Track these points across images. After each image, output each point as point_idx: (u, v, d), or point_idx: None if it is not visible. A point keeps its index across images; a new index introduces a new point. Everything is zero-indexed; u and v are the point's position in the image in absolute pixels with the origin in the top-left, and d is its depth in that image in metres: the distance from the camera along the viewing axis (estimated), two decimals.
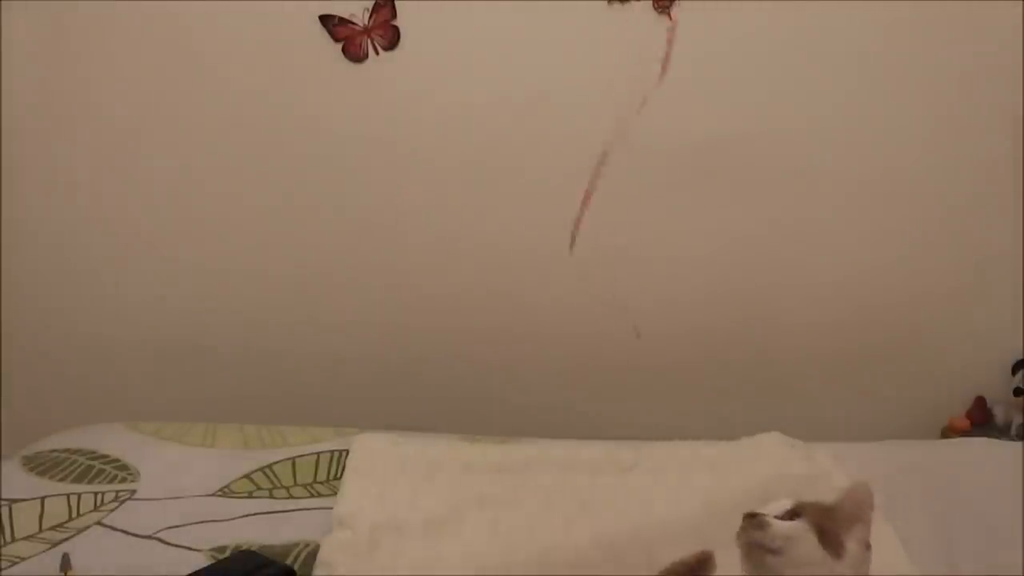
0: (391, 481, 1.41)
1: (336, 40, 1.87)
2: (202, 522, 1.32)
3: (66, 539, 1.27)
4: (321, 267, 2.04)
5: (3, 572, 1.18)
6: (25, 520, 1.31)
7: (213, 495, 1.41)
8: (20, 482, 1.42)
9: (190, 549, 1.26)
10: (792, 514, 0.97)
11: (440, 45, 1.89)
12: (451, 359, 2.09)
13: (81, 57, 1.88)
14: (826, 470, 1.44)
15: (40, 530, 1.30)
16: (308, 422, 1.69)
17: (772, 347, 2.12)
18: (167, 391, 2.08)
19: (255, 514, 1.36)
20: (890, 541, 1.27)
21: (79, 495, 1.39)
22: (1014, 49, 1.90)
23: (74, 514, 1.34)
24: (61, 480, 1.44)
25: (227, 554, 1.24)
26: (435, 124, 1.94)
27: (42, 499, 1.37)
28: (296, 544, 1.27)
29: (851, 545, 0.96)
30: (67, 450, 1.53)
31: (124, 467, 1.49)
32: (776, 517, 0.97)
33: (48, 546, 1.25)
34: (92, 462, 1.49)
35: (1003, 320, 2.09)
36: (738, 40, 1.90)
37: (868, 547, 0.98)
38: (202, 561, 1.22)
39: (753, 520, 0.97)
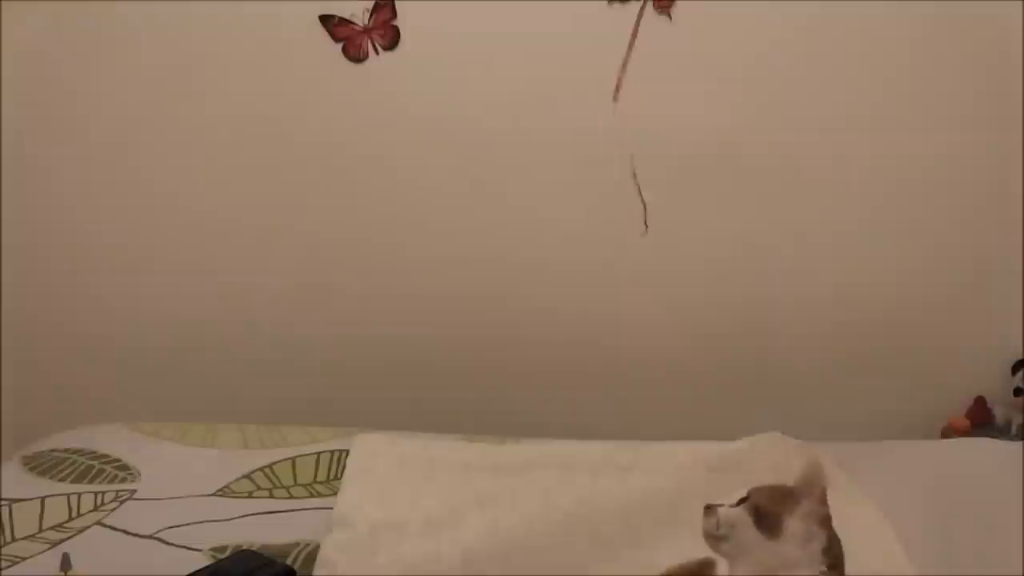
0: (391, 481, 1.41)
1: (336, 40, 1.87)
2: (202, 522, 1.33)
3: (66, 539, 1.27)
4: (321, 267, 2.04)
5: (3, 572, 1.18)
6: (25, 520, 1.32)
7: (213, 495, 1.41)
8: (20, 482, 1.42)
9: (190, 549, 1.26)
10: (742, 498, 0.99)
11: (440, 45, 1.89)
12: (451, 359, 2.09)
13: (81, 58, 1.88)
14: (825, 469, 1.44)
15: (40, 530, 1.30)
16: (308, 422, 1.69)
17: (772, 347, 2.11)
18: (167, 391, 2.08)
19: (255, 514, 1.36)
20: (890, 541, 1.27)
21: (79, 495, 1.39)
22: (1014, 49, 1.90)
23: (74, 514, 1.35)
24: (61, 480, 1.44)
25: (227, 554, 1.24)
26: (435, 124, 1.94)
27: (42, 499, 1.37)
28: (296, 544, 1.27)
29: (793, 523, 0.96)
30: (67, 450, 1.53)
31: (124, 467, 1.49)
32: (730, 505, 0.99)
33: (48, 546, 1.25)
34: (92, 462, 1.50)
35: (1003, 320, 2.09)
36: (737, 41, 1.90)
37: (822, 522, 0.97)
38: (202, 561, 1.22)
39: (708, 509, 1.00)
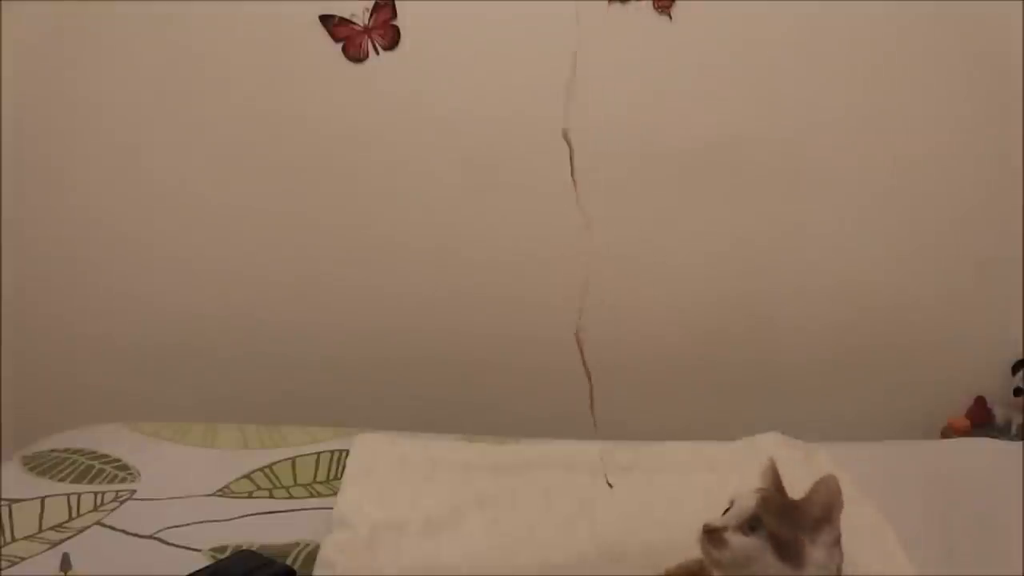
0: (391, 481, 1.41)
1: (336, 40, 1.87)
2: (202, 522, 1.32)
3: (66, 539, 1.27)
4: (320, 267, 2.04)
5: (3, 572, 1.18)
6: (25, 520, 1.31)
7: (213, 495, 1.41)
8: (20, 482, 1.42)
9: (190, 549, 1.25)
10: (752, 521, 0.96)
11: (440, 45, 1.89)
12: (451, 359, 2.09)
13: (81, 57, 1.88)
14: (825, 470, 1.44)
15: (40, 530, 1.30)
16: (308, 422, 1.69)
17: (772, 347, 2.12)
18: (167, 391, 2.08)
19: (255, 514, 1.36)
20: (890, 541, 1.27)
21: (79, 495, 1.39)
22: (1014, 49, 1.90)
23: (74, 514, 1.34)
24: (61, 480, 1.44)
25: (227, 554, 1.24)
26: (435, 124, 1.94)
27: (42, 499, 1.37)
28: (296, 544, 1.27)
29: (815, 552, 0.95)
30: (67, 450, 1.53)
31: (124, 467, 1.49)
32: (736, 527, 0.97)
33: (48, 546, 1.25)
34: (92, 462, 1.50)
35: (1003, 320, 2.09)
36: (737, 41, 1.90)
37: (838, 543, 0.97)
38: (202, 561, 1.22)
39: (712, 536, 0.97)
